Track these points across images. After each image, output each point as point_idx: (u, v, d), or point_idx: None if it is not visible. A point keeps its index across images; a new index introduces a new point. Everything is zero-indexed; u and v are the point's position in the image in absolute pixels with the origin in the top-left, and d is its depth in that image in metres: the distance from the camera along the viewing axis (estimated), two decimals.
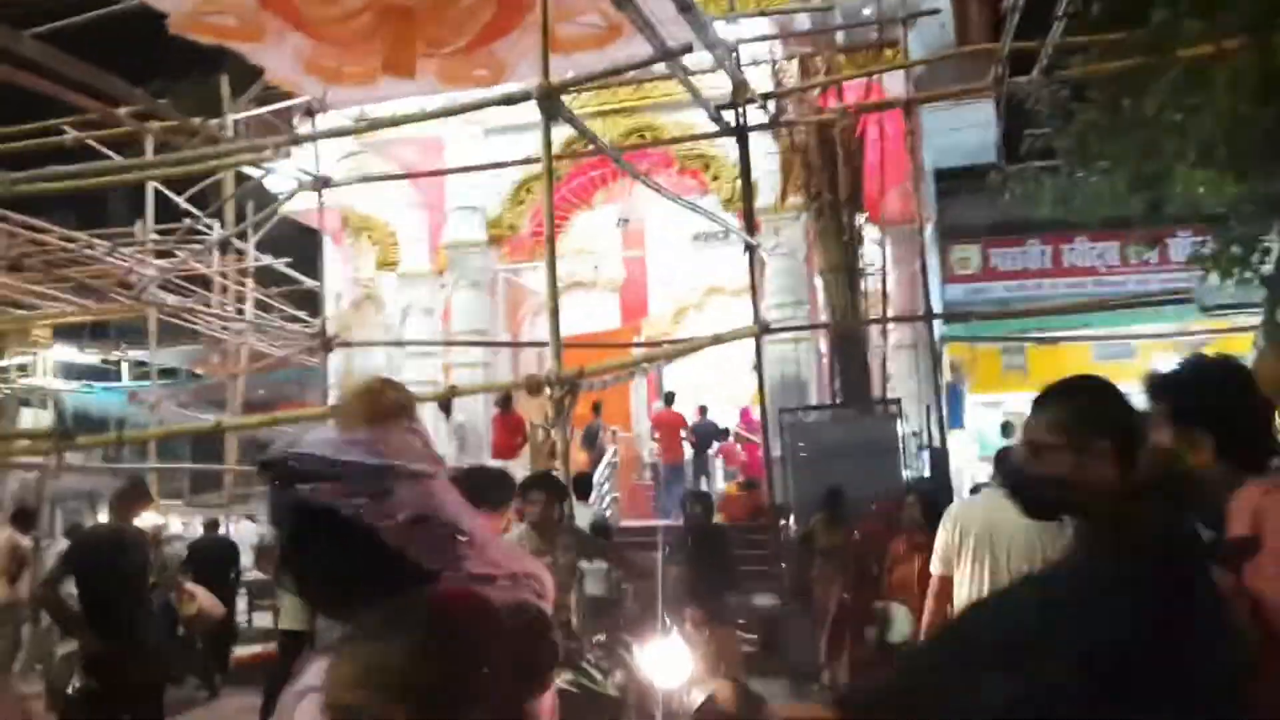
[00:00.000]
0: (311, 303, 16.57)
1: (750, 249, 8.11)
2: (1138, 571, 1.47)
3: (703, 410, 12.39)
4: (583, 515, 7.15)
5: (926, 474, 7.61)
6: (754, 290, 8.28)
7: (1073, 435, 1.61)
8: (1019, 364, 13.89)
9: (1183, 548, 1.56)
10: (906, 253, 11.13)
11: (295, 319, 16.81)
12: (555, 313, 4.98)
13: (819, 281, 10.60)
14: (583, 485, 7.44)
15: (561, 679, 3.87)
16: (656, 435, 11.96)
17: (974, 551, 3.74)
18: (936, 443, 7.47)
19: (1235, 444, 1.89)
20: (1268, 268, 7.81)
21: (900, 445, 7.73)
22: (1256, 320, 11.72)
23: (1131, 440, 1.60)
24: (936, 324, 11.94)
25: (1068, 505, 1.65)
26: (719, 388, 14.56)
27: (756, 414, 12.43)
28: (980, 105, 13.02)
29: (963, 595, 3.78)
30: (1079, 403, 1.66)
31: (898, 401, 8.49)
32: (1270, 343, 7.84)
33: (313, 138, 7.46)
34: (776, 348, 10.49)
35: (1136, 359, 14.15)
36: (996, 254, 13.90)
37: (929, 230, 11.44)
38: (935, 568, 3.98)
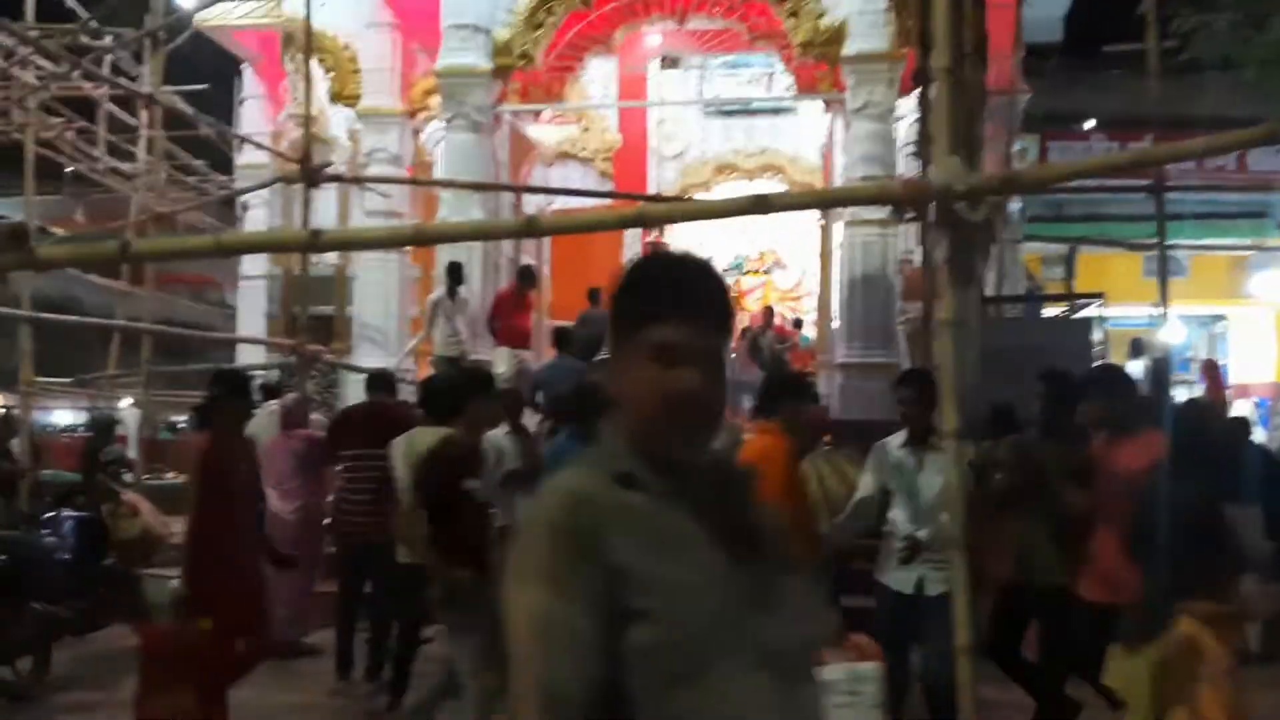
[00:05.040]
0: (210, 151, 13.61)
1: (924, 80, 6.17)
2: None
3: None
4: None
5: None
6: (924, 143, 6.35)
7: None
8: (1059, 276, 12.61)
9: None
10: (1001, 131, 9.40)
11: (189, 170, 13.86)
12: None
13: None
14: None
15: None
16: None
17: None
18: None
19: None
20: None
21: (1099, 355, 6.07)
22: None
23: None
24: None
25: None
26: None
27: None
28: None
29: None
30: None
31: (1099, 296, 6.79)
32: None
33: None
34: (858, 234, 8.66)
35: (1187, 277, 13.07)
36: (1056, 147, 12.41)
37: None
38: None
